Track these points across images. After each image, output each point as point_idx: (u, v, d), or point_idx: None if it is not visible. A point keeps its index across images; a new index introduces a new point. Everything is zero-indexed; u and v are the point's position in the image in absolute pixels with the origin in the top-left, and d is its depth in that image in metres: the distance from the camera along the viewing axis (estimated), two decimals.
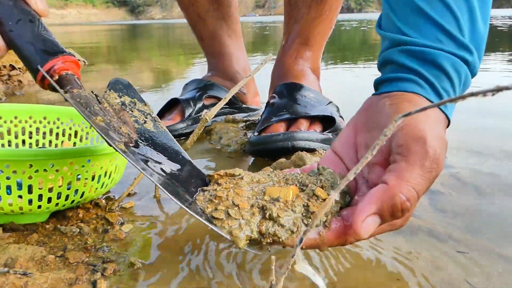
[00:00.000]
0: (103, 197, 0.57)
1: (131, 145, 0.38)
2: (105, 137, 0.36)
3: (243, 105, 1.00)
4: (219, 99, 0.92)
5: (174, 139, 0.44)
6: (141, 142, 0.39)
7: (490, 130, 0.88)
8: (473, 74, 0.41)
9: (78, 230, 0.48)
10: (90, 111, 0.38)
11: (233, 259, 0.43)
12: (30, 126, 0.65)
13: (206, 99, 0.91)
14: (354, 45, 4.06)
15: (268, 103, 0.78)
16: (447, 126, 0.40)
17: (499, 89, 0.18)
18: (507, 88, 0.18)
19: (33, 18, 0.38)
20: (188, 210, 0.34)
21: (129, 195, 0.58)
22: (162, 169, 0.37)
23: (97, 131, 0.37)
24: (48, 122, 0.66)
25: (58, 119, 0.66)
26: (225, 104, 0.95)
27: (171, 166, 0.39)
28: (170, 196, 0.34)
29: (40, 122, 0.65)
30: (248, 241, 0.33)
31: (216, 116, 0.92)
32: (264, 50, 3.43)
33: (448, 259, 0.43)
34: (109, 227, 0.49)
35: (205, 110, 0.88)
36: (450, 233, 0.48)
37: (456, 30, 0.39)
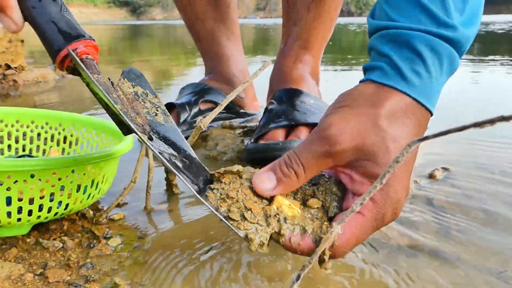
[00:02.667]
0: (91, 208, 0.54)
1: (148, 137, 0.37)
2: (132, 127, 0.35)
3: (241, 110, 0.97)
4: (215, 103, 0.89)
5: (182, 135, 0.42)
6: (153, 135, 0.39)
7: None
8: (461, 52, 0.38)
9: (61, 244, 0.45)
10: (112, 99, 0.37)
11: (227, 278, 0.40)
12: (17, 130, 0.62)
13: (203, 103, 0.88)
14: (354, 47, 4.04)
15: (266, 109, 0.75)
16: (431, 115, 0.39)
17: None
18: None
19: None
20: (211, 207, 0.35)
21: (118, 205, 0.55)
22: (175, 164, 0.37)
23: (124, 120, 0.36)
24: (36, 127, 0.63)
25: (46, 124, 0.63)
26: (222, 109, 0.93)
27: (181, 161, 0.38)
28: (192, 190, 0.35)
29: (28, 126, 0.63)
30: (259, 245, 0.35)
31: (212, 121, 0.90)
32: (265, 51, 3.40)
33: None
34: (94, 241, 0.46)
35: (199, 117, 0.85)
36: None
37: (439, 8, 0.37)
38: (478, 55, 2.67)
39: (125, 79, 0.43)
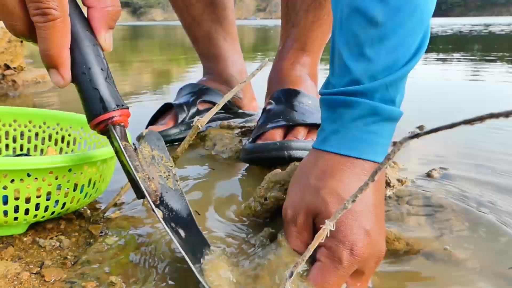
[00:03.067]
0: (88, 207, 0.54)
1: (157, 203, 0.40)
2: (147, 197, 0.38)
3: (239, 110, 0.97)
4: (213, 104, 0.89)
5: (185, 197, 0.44)
6: (163, 200, 0.41)
7: None
8: (388, 102, 0.40)
9: (58, 243, 0.45)
10: (135, 168, 0.39)
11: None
12: (15, 130, 0.62)
13: (200, 104, 0.88)
14: None
15: (264, 109, 0.75)
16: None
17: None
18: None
19: (103, 67, 0.39)
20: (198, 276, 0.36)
21: (115, 205, 0.55)
22: (177, 231, 0.39)
23: (142, 189, 0.38)
24: (34, 126, 0.63)
25: (44, 123, 0.63)
26: (221, 109, 0.93)
27: (183, 228, 0.41)
28: (186, 257, 0.36)
29: (25, 126, 0.63)
30: None
31: (211, 121, 0.90)
32: (265, 51, 3.40)
33: None
34: (92, 240, 0.46)
35: (197, 117, 0.85)
36: None
37: (361, 70, 0.40)
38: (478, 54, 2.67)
39: (146, 142, 0.45)
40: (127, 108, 0.41)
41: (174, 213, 0.41)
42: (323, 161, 0.41)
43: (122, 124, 0.41)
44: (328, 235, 0.28)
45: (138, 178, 0.39)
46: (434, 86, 1.64)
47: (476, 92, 1.51)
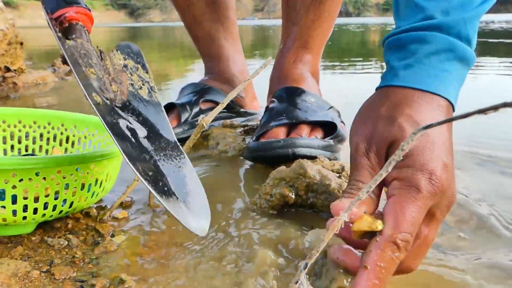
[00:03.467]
0: (95, 207, 0.54)
1: (117, 104, 0.40)
2: (81, 85, 0.38)
3: (241, 110, 0.98)
4: (216, 103, 0.90)
5: (165, 112, 0.45)
6: (128, 105, 0.41)
7: None
8: (463, 39, 0.40)
9: (66, 242, 0.45)
10: (85, 62, 0.40)
11: (230, 278, 0.40)
12: (19, 131, 0.63)
13: (203, 103, 0.89)
14: (354, 47, 4.05)
15: (267, 108, 0.76)
16: (454, 110, 0.40)
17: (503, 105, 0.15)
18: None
19: None
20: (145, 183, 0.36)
21: (121, 204, 0.55)
22: (133, 135, 0.40)
23: (75, 77, 0.39)
24: (38, 127, 0.63)
25: (49, 124, 0.63)
26: (223, 109, 0.93)
27: (152, 133, 0.41)
28: (126, 159, 0.37)
29: (30, 126, 0.63)
30: None
31: (213, 120, 0.90)
32: (264, 51, 3.41)
33: None
34: (99, 238, 0.47)
35: (201, 115, 0.85)
36: None
37: (434, 7, 0.40)
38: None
39: (119, 51, 0.45)
40: (88, 8, 0.41)
41: (141, 118, 0.42)
42: (396, 94, 0.39)
43: (80, 23, 0.40)
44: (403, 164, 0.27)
45: (74, 68, 0.39)
46: None
47: (475, 90, 1.51)
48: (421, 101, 0.38)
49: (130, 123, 0.40)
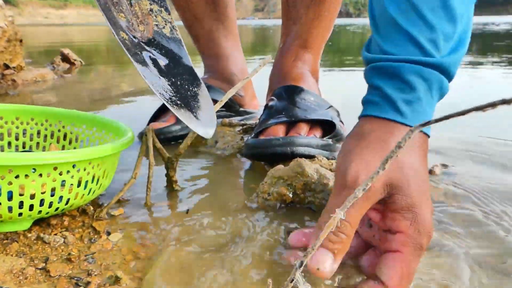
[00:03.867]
0: (91, 204, 0.54)
1: (143, 40, 0.49)
2: (110, 26, 0.46)
3: (240, 108, 0.97)
4: (215, 101, 0.89)
5: (183, 45, 0.53)
6: (153, 41, 0.50)
7: None
8: (449, 76, 0.40)
9: (62, 239, 0.45)
10: (117, 9, 0.48)
11: (226, 276, 0.40)
12: (17, 127, 0.62)
13: None
14: (354, 48, 4.05)
15: (266, 106, 0.76)
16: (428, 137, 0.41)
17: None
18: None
19: None
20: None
21: (118, 201, 0.55)
22: (154, 62, 0.48)
23: (106, 21, 0.46)
24: (36, 124, 0.63)
25: (46, 121, 0.63)
26: (222, 107, 0.93)
27: (166, 62, 0.49)
28: (145, 80, 0.45)
29: (28, 123, 0.63)
30: None
31: None
32: (263, 51, 3.41)
33: None
34: (95, 236, 0.47)
35: None
36: None
37: (424, 37, 0.39)
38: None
39: None
40: None
41: (163, 51, 0.50)
42: (399, 133, 0.39)
43: None
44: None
45: (104, 9, 0.47)
46: None
47: (475, 91, 1.51)
48: (419, 142, 0.39)
49: (153, 54, 0.49)
